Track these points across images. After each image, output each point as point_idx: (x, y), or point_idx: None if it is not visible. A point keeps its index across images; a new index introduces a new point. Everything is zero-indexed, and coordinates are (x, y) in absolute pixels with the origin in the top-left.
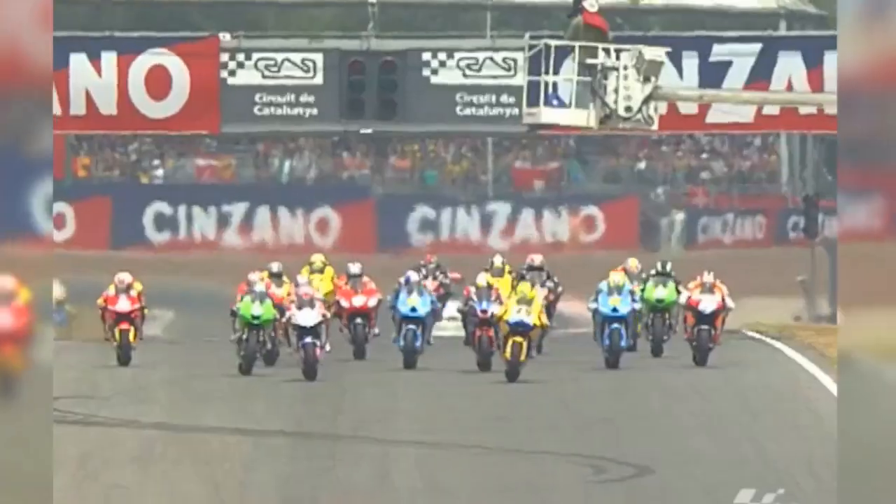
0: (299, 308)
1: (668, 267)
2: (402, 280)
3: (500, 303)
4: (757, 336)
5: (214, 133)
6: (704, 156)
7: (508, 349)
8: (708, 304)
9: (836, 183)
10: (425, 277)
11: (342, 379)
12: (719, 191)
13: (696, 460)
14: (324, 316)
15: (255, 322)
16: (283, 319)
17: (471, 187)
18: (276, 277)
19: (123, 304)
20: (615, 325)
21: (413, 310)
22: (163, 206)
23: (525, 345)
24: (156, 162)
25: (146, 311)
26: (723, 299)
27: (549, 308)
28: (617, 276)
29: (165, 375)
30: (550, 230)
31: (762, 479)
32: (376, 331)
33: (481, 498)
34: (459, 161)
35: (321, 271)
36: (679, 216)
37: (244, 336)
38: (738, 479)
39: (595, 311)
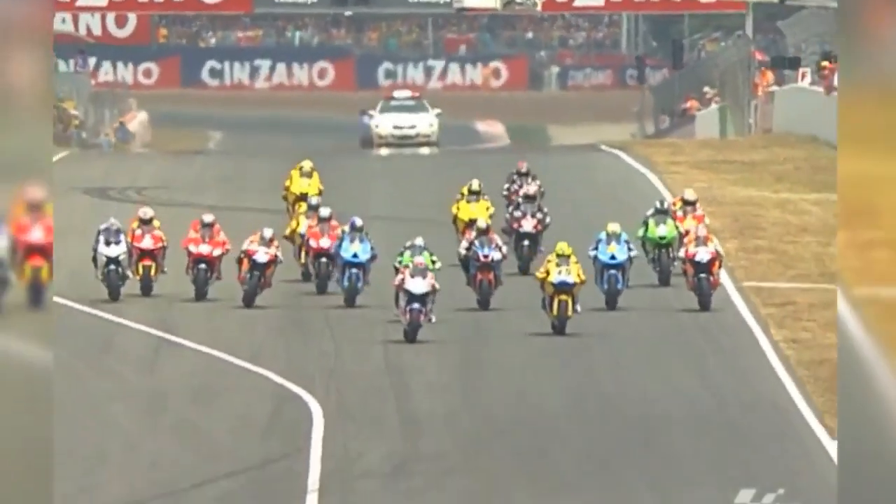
0: (412, 276)
1: (666, 204)
2: (346, 227)
3: (500, 249)
4: (605, 148)
5: (249, 12)
6: (572, 29)
7: (556, 307)
8: (704, 254)
9: (659, 46)
10: (519, 185)
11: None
12: (581, 53)
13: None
14: (432, 287)
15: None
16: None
17: (418, 50)
18: (325, 216)
19: (147, 242)
20: (612, 272)
21: (354, 255)
22: (214, 62)
23: (570, 301)
24: (210, 33)
25: (166, 245)
26: (716, 248)
27: (538, 236)
28: (614, 226)
29: (216, 174)
30: (469, 78)
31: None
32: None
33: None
34: (410, 33)
35: (309, 175)
36: (555, 69)
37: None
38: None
39: (595, 259)
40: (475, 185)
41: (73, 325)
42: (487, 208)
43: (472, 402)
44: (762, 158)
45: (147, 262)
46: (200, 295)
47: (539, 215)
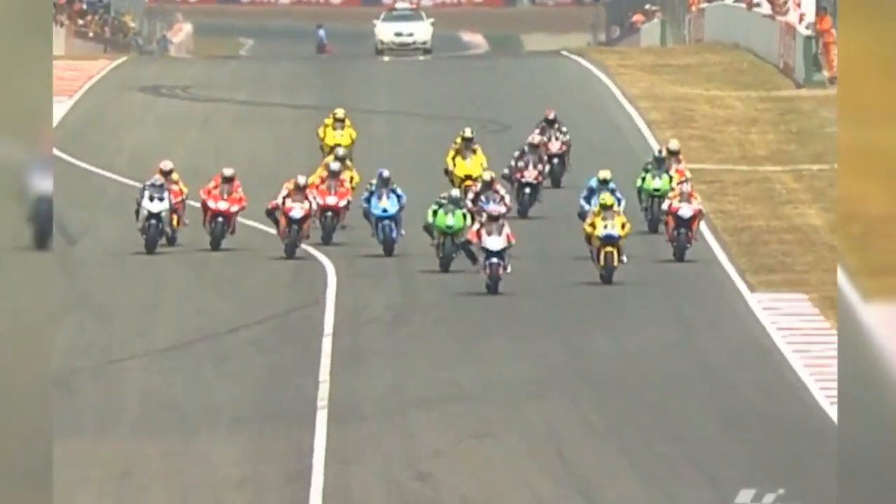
0: (489, 234)
1: (663, 153)
2: (372, 182)
3: (504, 200)
4: (566, 54)
5: None
6: None
7: (602, 258)
8: (686, 210)
9: None
10: (547, 137)
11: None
12: None
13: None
14: (509, 241)
15: (450, 231)
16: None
17: None
18: (335, 170)
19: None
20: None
21: (384, 210)
22: None
23: (615, 252)
24: None
25: (186, 197)
26: (699, 206)
27: (564, 157)
28: (605, 173)
29: (248, 75)
30: None
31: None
32: (344, 222)
33: (431, 156)
34: None
35: (342, 123)
36: None
37: (441, 242)
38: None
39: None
40: (468, 132)
41: (132, 200)
42: (482, 164)
43: (460, 271)
44: (695, 62)
45: (169, 215)
46: (215, 246)
47: (540, 166)
